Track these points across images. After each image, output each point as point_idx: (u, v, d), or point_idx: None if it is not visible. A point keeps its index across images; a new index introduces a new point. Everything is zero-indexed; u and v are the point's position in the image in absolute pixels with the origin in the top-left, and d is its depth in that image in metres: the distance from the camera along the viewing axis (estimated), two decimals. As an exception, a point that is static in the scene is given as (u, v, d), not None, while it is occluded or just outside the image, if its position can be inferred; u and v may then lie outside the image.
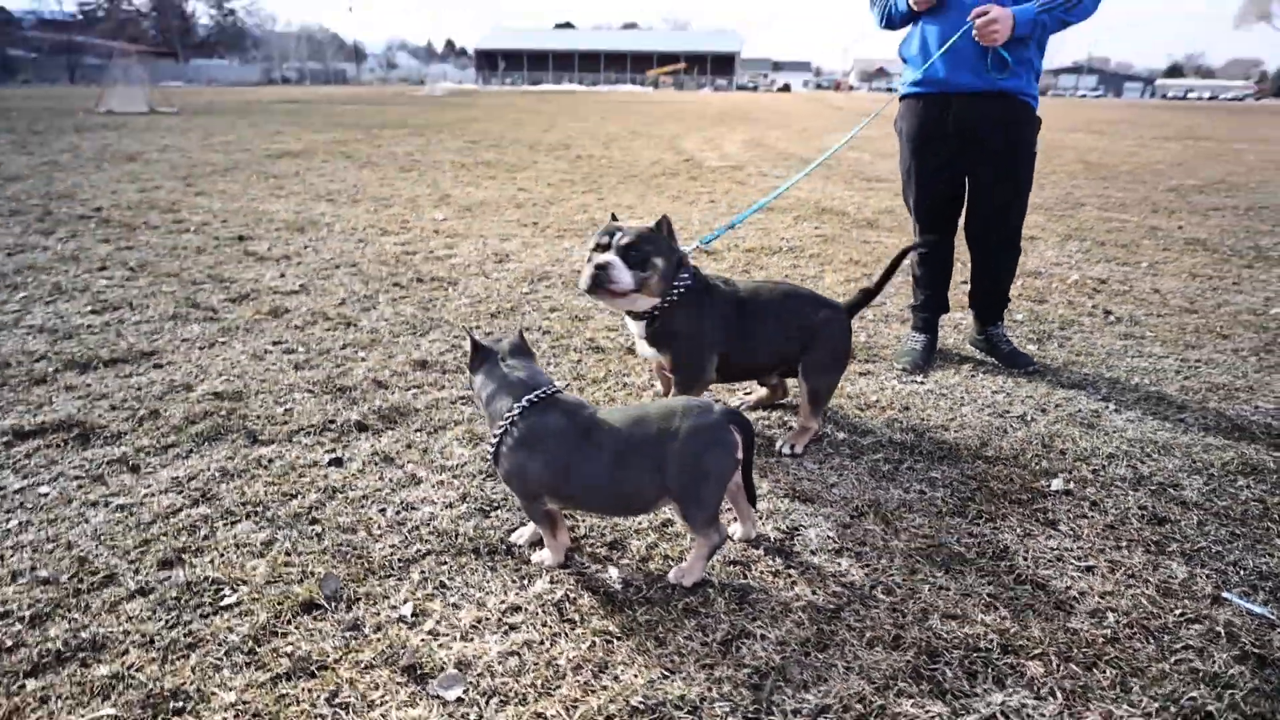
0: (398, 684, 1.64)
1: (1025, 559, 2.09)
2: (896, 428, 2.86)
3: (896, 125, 3.49)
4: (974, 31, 3.00)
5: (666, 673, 1.67)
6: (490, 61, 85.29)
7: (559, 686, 1.63)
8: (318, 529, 2.18)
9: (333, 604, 1.87)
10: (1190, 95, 66.01)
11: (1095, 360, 3.60)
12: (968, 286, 3.66)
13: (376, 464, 2.55)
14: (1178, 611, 1.88)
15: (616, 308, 2.47)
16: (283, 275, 4.85)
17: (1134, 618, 1.86)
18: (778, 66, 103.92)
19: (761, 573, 2.03)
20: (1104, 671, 1.68)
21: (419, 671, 1.67)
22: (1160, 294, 4.75)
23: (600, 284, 2.29)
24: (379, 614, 1.85)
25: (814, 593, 1.94)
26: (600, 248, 2.35)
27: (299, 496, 2.33)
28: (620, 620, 1.83)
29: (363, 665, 1.69)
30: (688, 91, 66.39)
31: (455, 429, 2.80)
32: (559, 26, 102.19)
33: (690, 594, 1.92)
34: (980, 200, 3.39)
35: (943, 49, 3.11)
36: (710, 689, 1.63)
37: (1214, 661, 1.71)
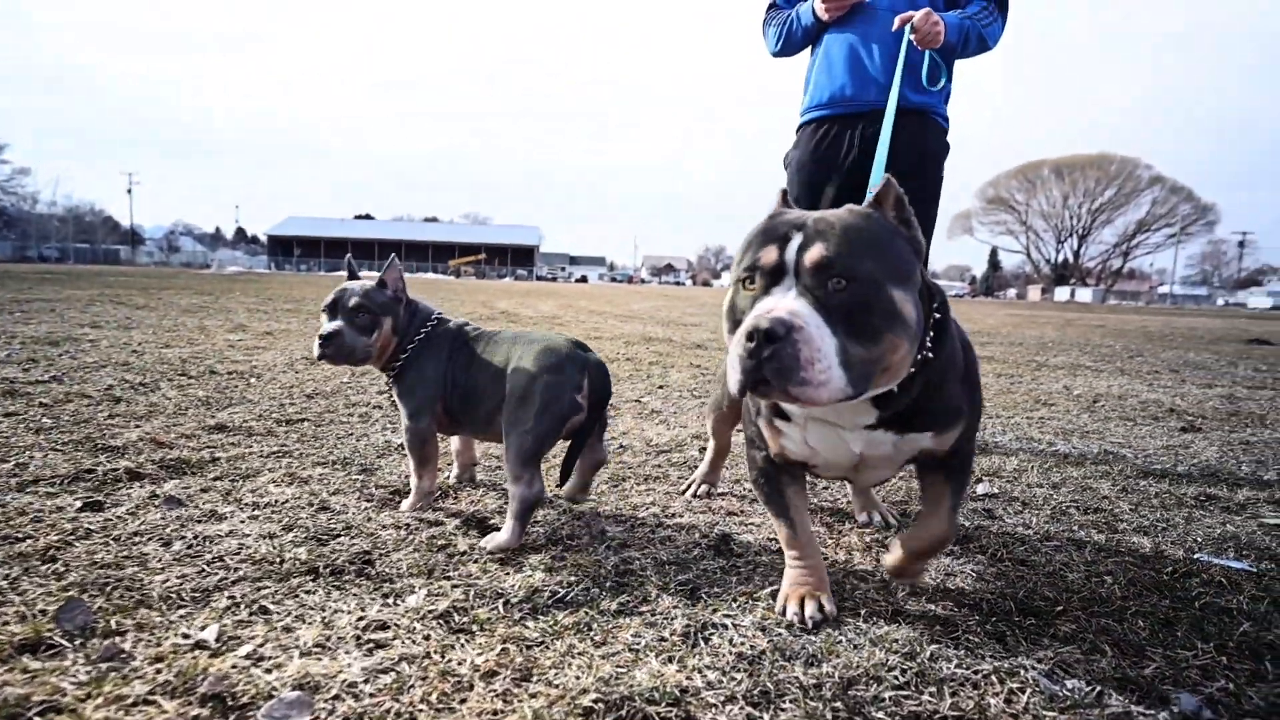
0: (195, 715, 1.00)
1: (995, 540, 1.82)
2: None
3: (787, 159, 2.99)
4: (912, 34, 2.59)
5: (623, 668, 1.17)
6: (284, 247, 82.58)
7: (465, 699, 1.08)
8: (56, 567, 1.46)
9: (77, 639, 1.18)
10: (923, 294, 77.63)
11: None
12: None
13: (156, 506, 1.85)
14: (1169, 570, 1.67)
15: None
16: (27, 370, 3.86)
17: (1133, 578, 1.63)
18: (575, 260, 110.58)
19: (705, 572, 1.59)
20: (1135, 622, 1.41)
21: (232, 700, 1.04)
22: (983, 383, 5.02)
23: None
24: (159, 644, 1.19)
25: (776, 584, 1.52)
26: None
27: (28, 540, 1.59)
28: (539, 625, 1.32)
29: (130, 700, 1.03)
30: (489, 280, 68.46)
31: (270, 474, 2.15)
32: (359, 218, 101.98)
33: (509, 563, 1.43)
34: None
35: (900, 58, 2.64)
36: (691, 677, 1.14)
37: (1231, 600, 1.51)
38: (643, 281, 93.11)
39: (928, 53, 2.66)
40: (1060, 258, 73.95)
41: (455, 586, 1.45)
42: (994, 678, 1.18)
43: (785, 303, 1.06)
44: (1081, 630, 1.37)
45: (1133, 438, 3.25)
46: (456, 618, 1.32)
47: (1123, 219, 66.10)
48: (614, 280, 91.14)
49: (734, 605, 1.42)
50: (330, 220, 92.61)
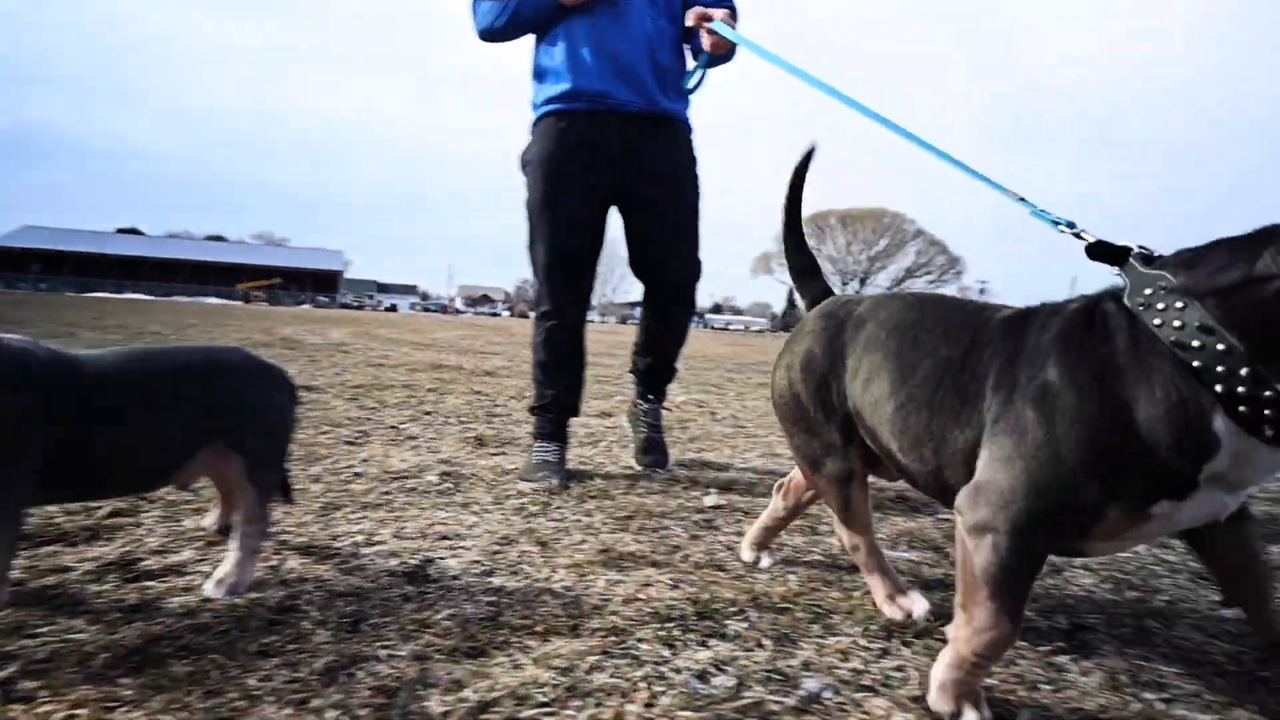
0: None
1: (699, 552, 1.88)
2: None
3: (524, 157, 2.70)
4: (703, 37, 2.44)
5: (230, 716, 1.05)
6: (16, 261, 70.20)
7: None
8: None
9: None
10: (731, 326, 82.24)
11: (714, 438, 3.76)
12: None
13: None
14: (844, 568, 1.81)
15: None
16: None
17: (810, 575, 1.74)
18: (384, 288, 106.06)
19: (383, 601, 1.49)
20: (798, 615, 1.50)
21: None
22: (747, 408, 5.30)
23: None
24: None
25: (458, 609, 1.46)
26: None
27: None
28: (136, 682, 1.15)
29: None
30: (284, 307, 63.69)
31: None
32: (122, 231, 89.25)
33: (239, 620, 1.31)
34: (649, 247, 2.73)
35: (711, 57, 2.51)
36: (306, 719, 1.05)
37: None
38: (457, 312, 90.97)
39: (703, 56, 2.53)
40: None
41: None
42: (644, 683, 1.19)
43: None
44: (750, 627, 1.43)
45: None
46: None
47: (895, 265, 73.89)
48: (426, 310, 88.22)
49: (395, 635, 1.34)
50: (82, 233, 79.34)
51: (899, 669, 1.28)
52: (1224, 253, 0.94)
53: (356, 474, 2.52)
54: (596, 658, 1.27)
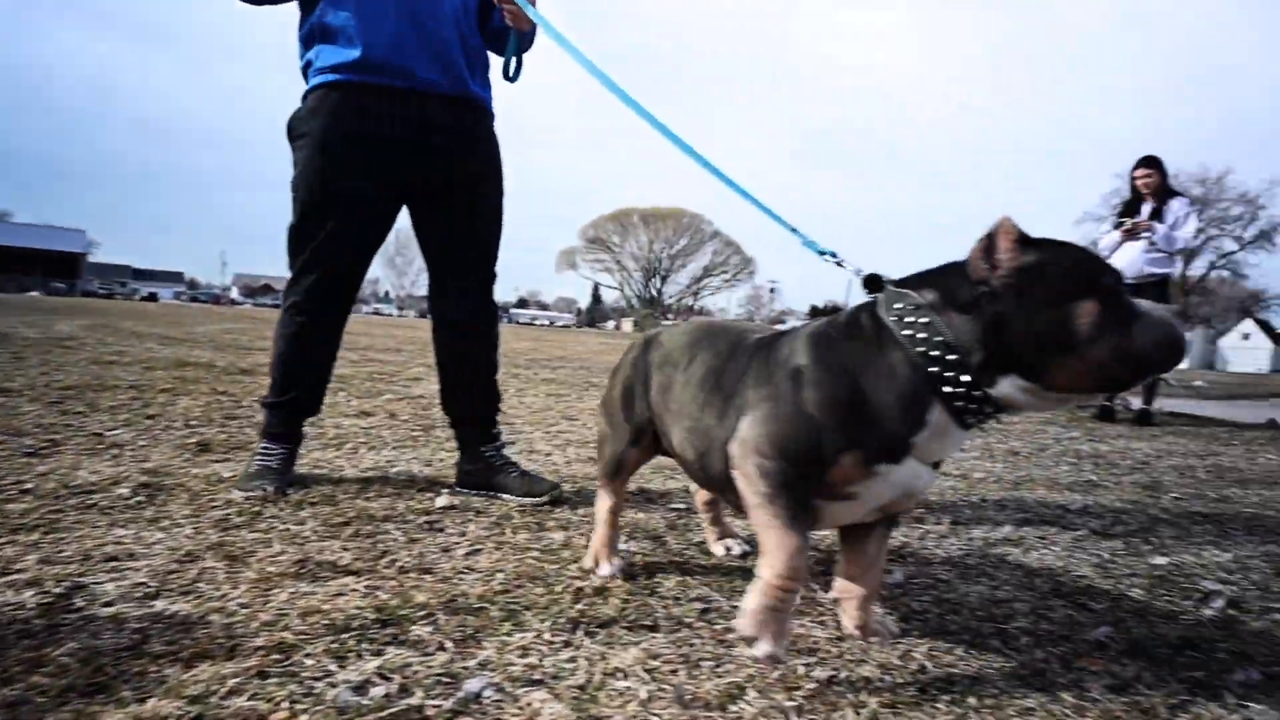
0: None
1: (409, 556, 1.82)
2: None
3: (297, 128, 2.32)
4: (505, 15, 2.27)
5: None
6: None
7: None
8: None
9: None
10: (537, 321, 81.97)
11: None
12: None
13: None
14: (560, 563, 1.83)
15: None
16: None
17: (522, 571, 1.75)
18: (141, 275, 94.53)
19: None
20: (492, 614, 1.49)
21: None
22: (524, 404, 5.27)
23: None
24: None
25: (93, 641, 1.30)
26: None
27: None
28: None
29: None
30: (7, 294, 54.69)
31: None
32: None
33: None
34: (451, 253, 2.47)
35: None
36: None
37: (595, 581, 1.72)
38: (233, 303, 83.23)
39: (512, 36, 2.33)
40: (649, 294, 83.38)
41: None
42: (287, 701, 1.12)
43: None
44: (435, 631, 1.40)
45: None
46: None
47: (694, 264, 77.28)
48: (195, 300, 79.85)
49: None
50: None
51: (572, 660, 1.31)
52: (956, 277, 1.18)
53: (24, 490, 2.19)
54: (243, 680, 1.17)
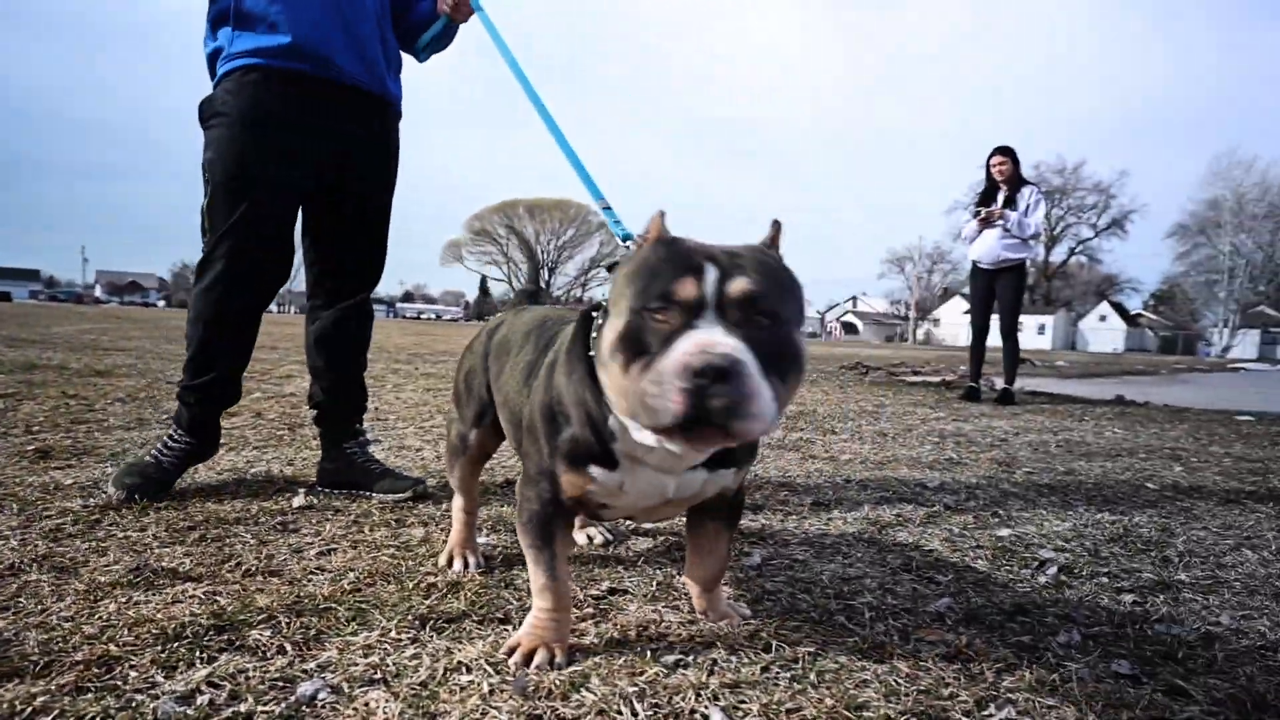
0: None
1: (255, 559, 1.74)
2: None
3: (212, 109, 2.28)
4: (450, 17, 2.35)
5: None
6: None
7: None
8: None
9: None
10: (423, 315, 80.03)
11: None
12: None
13: None
14: (417, 559, 1.80)
15: None
16: None
17: (375, 569, 1.70)
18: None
19: None
20: (339, 614, 1.45)
21: None
22: (400, 400, 5.14)
23: None
24: None
25: (-98, 657, 1.20)
26: None
27: None
28: None
29: None
30: None
31: None
32: None
33: None
34: (343, 246, 2.48)
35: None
36: None
37: (450, 575, 1.68)
38: (96, 301, 77.65)
39: (443, 18, 2.37)
40: (536, 287, 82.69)
41: None
42: (99, 718, 1.06)
43: (726, 340, 0.99)
44: (275, 634, 1.35)
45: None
46: None
47: (581, 255, 77.04)
48: (54, 299, 74.00)
49: None
50: None
51: (415, 657, 1.28)
52: None
53: None
54: (52, 697, 1.10)
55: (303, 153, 2.28)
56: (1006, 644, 1.45)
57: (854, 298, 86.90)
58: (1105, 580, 1.88)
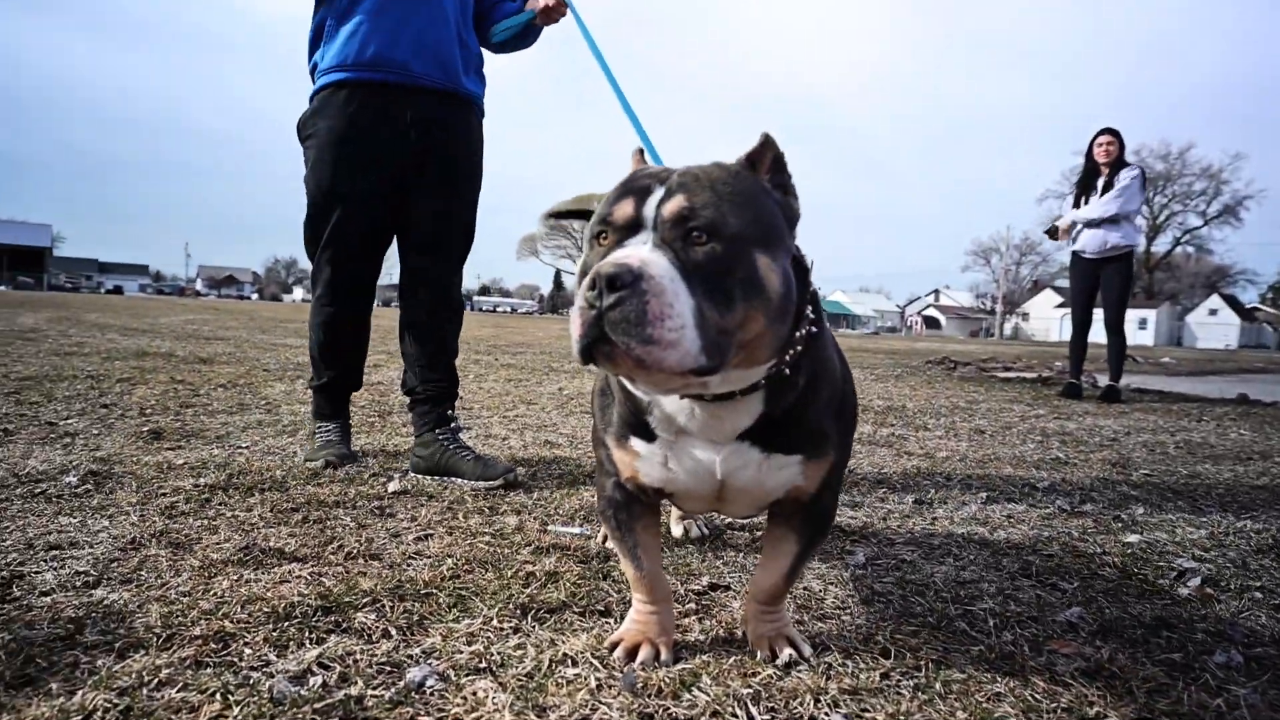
0: None
1: (356, 542, 1.76)
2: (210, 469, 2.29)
3: (305, 128, 2.46)
4: (537, 16, 2.41)
5: None
6: None
7: None
8: None
9: None
10: (499, 308, 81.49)
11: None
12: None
13: None
14: (513, 548, 1.77)
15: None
16: None
17: (473, 556, 1.69)
18: (106, 268, 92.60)
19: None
20: (440, 600, 1.44)
21: None
22: (483, 389, 5.20)
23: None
24: None
25: (27, 631, 1.24)
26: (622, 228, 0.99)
27: None
28: None
29: None
30: (-23, 288, 53.18)
31: None
32: None
33: None
34: (426, 239, 2.55)
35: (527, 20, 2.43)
36: None
37: (547, 565, 1.64)
38: (197, 294, 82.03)
39: (529, 12, 2.44)
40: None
41: None
42: (221, 693, 1.06)
43: (637, 252, 0.90)
44: (380, 618, 1.34)
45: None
46: None
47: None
48: (160, 293, 78.55)
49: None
50: None
51: (520, 647, 1.25)
52: None
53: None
54: (176, 670, 1.11)
55: (383, 160, 2.40)
56: (1155, 661, 1.32)
57: (936, 291, 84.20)
58: (1259, 595, 1.71)
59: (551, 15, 2.42)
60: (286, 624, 1.29)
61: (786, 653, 1.25)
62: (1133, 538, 2.13)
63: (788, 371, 1.08)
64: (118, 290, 64.23)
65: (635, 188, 0.99)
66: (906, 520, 2.22)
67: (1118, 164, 6.14)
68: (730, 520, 2.09)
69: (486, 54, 2.66)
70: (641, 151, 1.17)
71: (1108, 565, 1.88)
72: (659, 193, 0.96)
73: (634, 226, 0.96)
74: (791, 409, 1.12)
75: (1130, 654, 1.35)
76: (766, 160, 1.05)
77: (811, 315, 1.11)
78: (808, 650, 1.27)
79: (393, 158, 2.40)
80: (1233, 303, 63.82)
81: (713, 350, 0.89)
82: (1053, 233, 6.43)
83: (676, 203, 0.94)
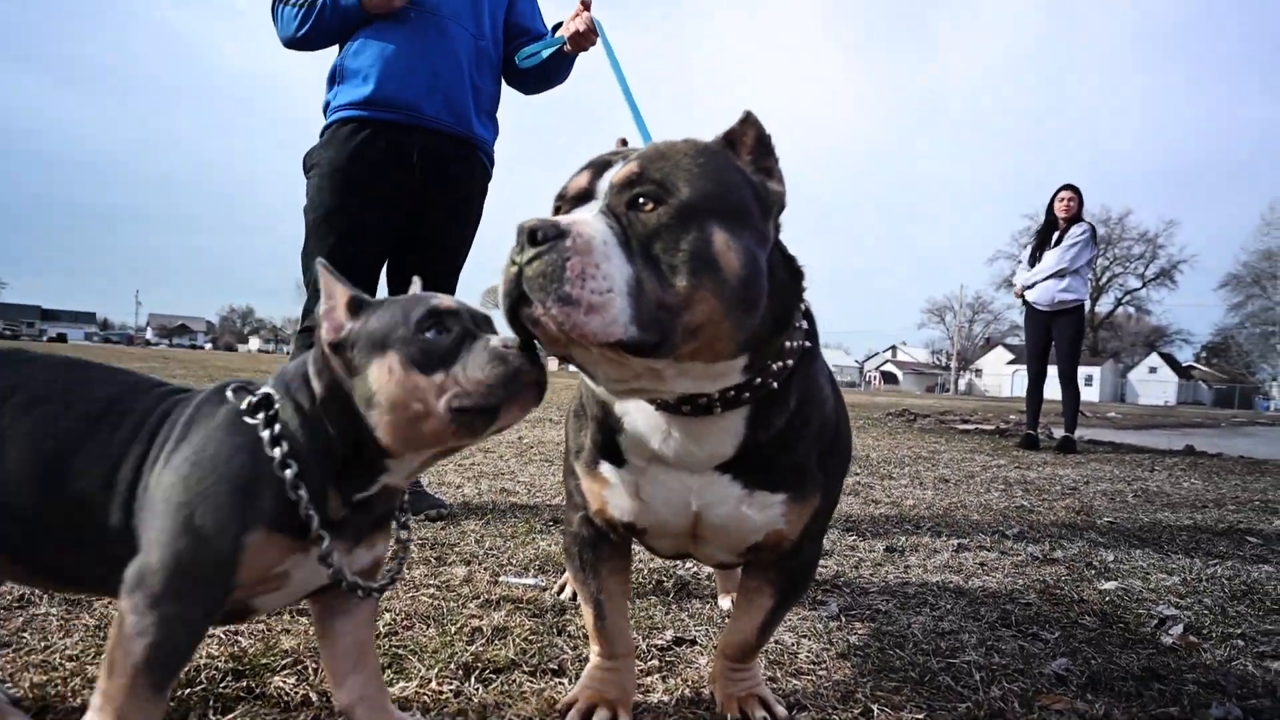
0: None
1: (284, 596, 1.58)
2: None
3: (310, 160, 2.45)
4: (567, 42, 2.37)
5: None
6: None
7: None
8: None
9: None
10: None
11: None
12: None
13: None
14: (459, 600, 1.62)
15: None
16: None
17: (414, 610, 1.54)
18: (48, 315, 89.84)
19: None
20: (384, 658, 1.27)
21: None
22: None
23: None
24: None
25: None
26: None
27: None
28: None
29: None
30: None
31: None
32: None
33: None
34: (420, 267, 2.37)
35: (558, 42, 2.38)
36: None
37: (496, 619, 1.48)
38: (147, 343, 79.90)
39: (560, 38, 2.41)
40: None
41: None
42: None
43: (574, 214, 0.83)
44: (299, 683, 1.18)
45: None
46: None
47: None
48: (107, 341, 76.23)
49: None
50: None
51: (460, 713, 1.10)
52: None
53: None
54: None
55: (385, 196, 2.37)
56: (1150, 716, 1.23)
57: (893, 347, 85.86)
58: (1241, 643, 1.63)
59: (582, 43, 2.37)
60: (189, 691, 1.13)
61: (759, 715, 1.12)
62: (1108, 585, 2.06)
63: (775, 386, 0.95)
64: (60, 338, 62.11)
65: (596, 162, 0.92)
66: (879, 568, 2.11)
67: (1076, 219, 6.29)
68: (699, 568, 1.96)
69: (515, 96, 2.68)
70: (625, 141, 1.07)
71: (1087, 613, 1.79)
72: (615, 166, 0.88)
73: (585, 197, 0.88)
74: (778, 437, 0.99)
75: (1125, 708, 1.25)
76: (748, 140, 0.93)
77: (805, 328, 1.00)
78: (781, 712, 1.15)
79: (395, 191, 2.38)
80: (1171, 361, 66.13)
81: (648, 324, 0.78)
82: (1021, 295, 6.52)
83: (627, 169, 0.86)
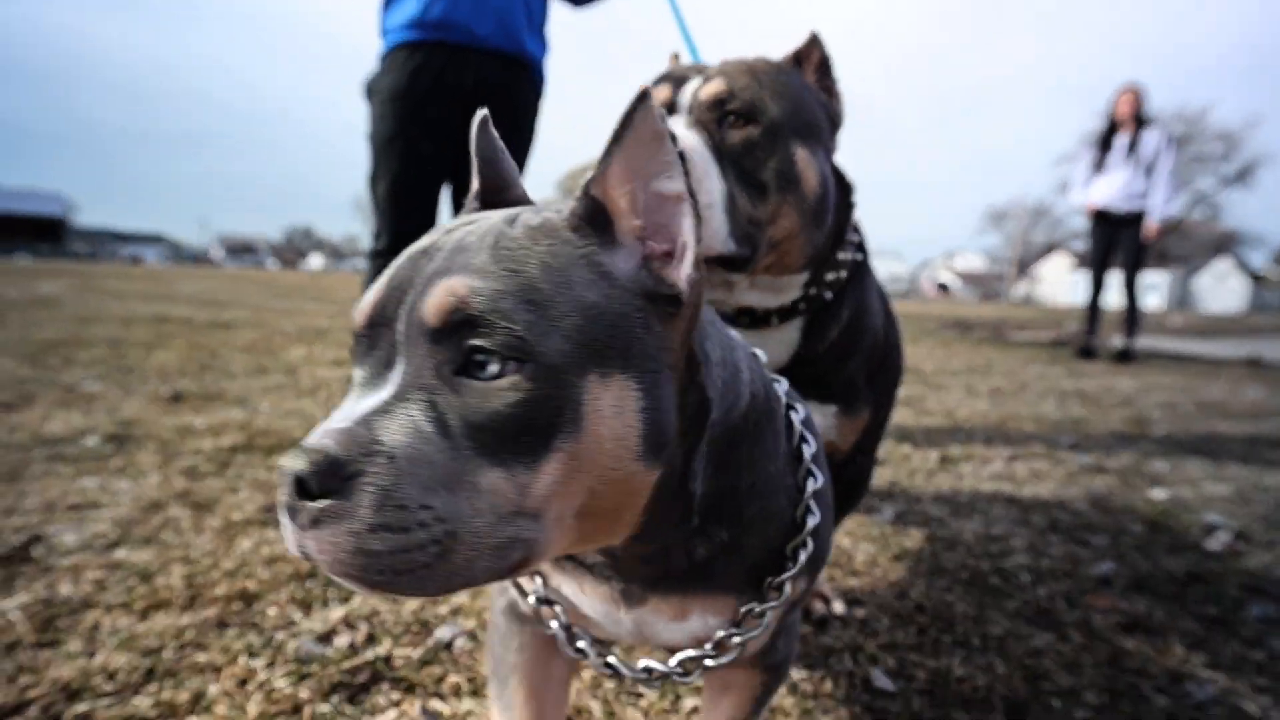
0: None
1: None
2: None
3: (370, 86, 2.48)
4: None
5: None
6: None
7: None
8: None
9: None
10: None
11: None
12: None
13: None
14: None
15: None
16: None
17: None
18: (123, 238, 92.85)
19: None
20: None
21: None
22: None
23: None
24: None
25: (46, 592, 1.23)
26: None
27: None
28: None
29: None
30: (-12, 258, 53.24)
31: None
32: None
33: None
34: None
35: None
36: None
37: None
38: (214, 264, 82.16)
39: None
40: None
41: None
42: (245, 654, 1.05)
43: (675, 129, 0.82)
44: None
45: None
46: None
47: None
48: (178, 260, 78.71)
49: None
50: None
51: (550, 604, 1.24)
52: None
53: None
54: (200, 632, 1.10)
55: (442, 121, 2.38)
56: (1191, 615, 1.31)
57: (948, 254, 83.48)
58: (1289, 550, 1.68)
59: None
60: (311, 583, 1.28)
61: (819, 607, 1.22)
62: (1159, 493, 2.11)
63: (829, 298, 0.97)
64: (136, 259, 64.25)
65: (674, 75, 0.93)
66: (932, 477, 2.20)
67: (1138, 119, 5.99)
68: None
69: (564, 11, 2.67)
70: (677, 57, 1.09)
71: (1136, 521, 1.86)
72: (697, 80, 0.90)
73: (670, 109, 0.90)
74: (830, 349, 0.99)
75: (1166, 608, 1.33)
76: (814, 59, 0.97)
77: (857, 241, 1.01)
78: (839, 606, 1.25)
79: (451, 117, 2.39)
80: (1242, 265, 62.88)
81: (742, 239, 0.83)
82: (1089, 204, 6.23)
83: (715, 85, 0.89)
